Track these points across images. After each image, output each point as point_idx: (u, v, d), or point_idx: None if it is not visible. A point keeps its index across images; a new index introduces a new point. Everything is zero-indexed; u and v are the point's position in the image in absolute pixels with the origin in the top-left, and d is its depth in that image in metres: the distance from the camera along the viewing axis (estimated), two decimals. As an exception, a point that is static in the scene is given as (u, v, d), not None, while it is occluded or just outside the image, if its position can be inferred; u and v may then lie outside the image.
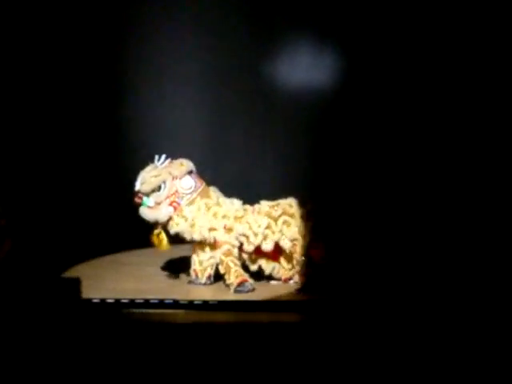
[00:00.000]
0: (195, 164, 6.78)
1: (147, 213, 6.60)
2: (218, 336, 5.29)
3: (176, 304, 5.99)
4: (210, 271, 6.66)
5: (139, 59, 8.79)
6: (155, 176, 6.58)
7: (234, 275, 6.53)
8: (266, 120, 8.97)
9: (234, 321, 5.78)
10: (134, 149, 8.10)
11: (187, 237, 6.57)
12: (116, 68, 8.71)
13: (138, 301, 5.94)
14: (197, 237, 6.57)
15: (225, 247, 6.58)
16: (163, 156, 6.68)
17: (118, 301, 5.90)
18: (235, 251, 6.57)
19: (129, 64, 8.79)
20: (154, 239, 6.65)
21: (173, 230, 6.57)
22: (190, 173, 6.70)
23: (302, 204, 6.66)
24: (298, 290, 6.52)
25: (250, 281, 6.54)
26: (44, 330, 5.18)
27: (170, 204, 6.58)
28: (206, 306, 6.01)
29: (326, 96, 8.74)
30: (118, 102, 8.75)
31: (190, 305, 5.99)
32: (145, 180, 6.60)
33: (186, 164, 6.72)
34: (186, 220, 6.58)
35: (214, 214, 6.60)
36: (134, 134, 8.69)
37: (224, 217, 6.59)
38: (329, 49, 8.79)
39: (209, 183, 6.80)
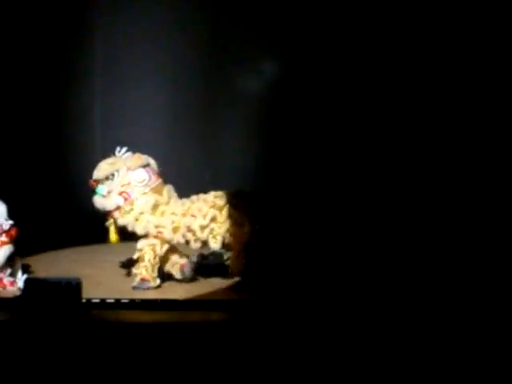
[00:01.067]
0: (158, 160, 6.91)
1: (98, 201, 6.75)
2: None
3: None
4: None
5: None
6: (110, 164, 6.69)
7: (142, 270, 6.63)
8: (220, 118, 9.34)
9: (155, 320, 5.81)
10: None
11: (130, 229, 6.68)
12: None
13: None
14: (140, 231, 6.64)
15: (151, 240, 6.64)
16: (124, 148, 6.81)
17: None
18: (158, 249, 6.64)
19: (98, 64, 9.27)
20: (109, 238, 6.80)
21: (120, 221, 6.68)
22: (145, 166, 6.78)
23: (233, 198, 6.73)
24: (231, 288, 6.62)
25: (155, 281, 6.63)
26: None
27: (120, 194, 6.68)
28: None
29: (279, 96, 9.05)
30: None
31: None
32: (100, 167, 6.75)
33: (143, 157, 6.82)
34: (133, 212, 6.65)
35: (162, 213, 6.68)
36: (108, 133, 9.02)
37: (172, 214, 6.67)
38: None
39: (166, 181, 6.90)
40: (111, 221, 6.77)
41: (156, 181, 6.80)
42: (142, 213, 6.66)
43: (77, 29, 9.22)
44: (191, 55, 9.36)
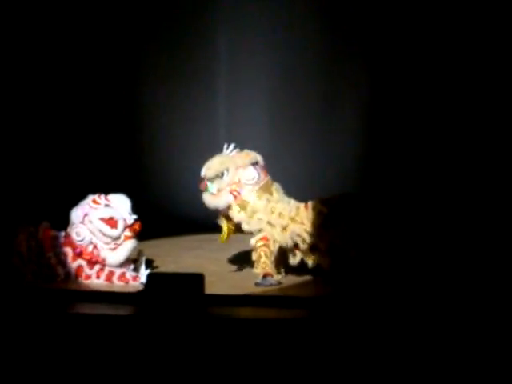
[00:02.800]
0: (264, 157, 6.85)
1: (209, 199, 6.74)
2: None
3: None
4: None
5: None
6: (220, 163, 6.65)
7: (262, 266, 6.50)
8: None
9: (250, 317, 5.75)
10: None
11: (245, 227, 6.60)
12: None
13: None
14: (254, 228, 6.53)
15: (261, 235, 6.53)
16: (232, 145, 6.77)
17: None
18: (271, 245, 6.53)
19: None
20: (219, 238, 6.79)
21: (235, 218, 6.62)
22: (254, 164, 6.70)
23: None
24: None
25: (277, 276, 6.53)
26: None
27: (231, 192, 6.63)
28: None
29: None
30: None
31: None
32: (209, 166, 6.73)
33: (252, 155, 6.75)
34: (246, 210, 6.55)
35: (272, 209, 6.58)
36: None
37: (280, 215, 6.53)
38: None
39: (273, 179, 6.81)
40: (223, 220, 6.74)
41: (264, 178, 6.75)
42: (254, 211, 6.58)
43: (202, 34, 9.43)
44: (304, 59, 9.48)
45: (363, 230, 6.58)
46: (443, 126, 8.86)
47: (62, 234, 6.86)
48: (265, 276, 6.56)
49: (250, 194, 6.65)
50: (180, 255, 7.74)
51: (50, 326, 5.45)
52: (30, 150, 9.04)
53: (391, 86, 9.14)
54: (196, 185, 6.95)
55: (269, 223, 6.57)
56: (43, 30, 9.09)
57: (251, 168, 6.73)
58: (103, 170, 9.24)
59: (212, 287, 5.69)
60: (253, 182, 6.70)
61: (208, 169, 6.76)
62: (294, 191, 6.88)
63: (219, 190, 6.71)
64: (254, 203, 6.62)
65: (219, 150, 6.89)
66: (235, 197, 6.64)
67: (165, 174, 9.46)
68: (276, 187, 6.80)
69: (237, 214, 6.64)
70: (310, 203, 6.66)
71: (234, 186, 6.66)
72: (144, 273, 6.66)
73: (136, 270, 6.81)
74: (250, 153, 6.82)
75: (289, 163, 9.21)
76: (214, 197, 6.72)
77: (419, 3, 8.92)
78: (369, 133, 9.27)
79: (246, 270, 6.97)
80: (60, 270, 6.74)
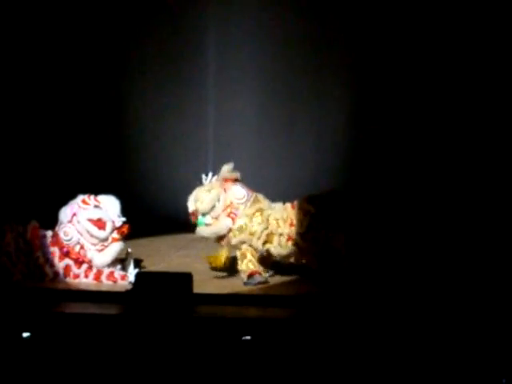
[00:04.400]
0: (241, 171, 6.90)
1: (206, 231, 6.74)
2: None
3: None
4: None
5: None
6: (208, 191, 6.68)
7: (247, 265, 6.56)
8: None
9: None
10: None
11: (253, 244, 6.60)
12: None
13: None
14: (259, 244, 6.58)
15: (243, 235, 6.60)
16: (210, 174, 6.84)
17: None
18: (256, 241, 6.58)
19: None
20: (212, 260, 6.76)
21: (234, 240, 6.62)
22: (238, 182, 6.79)
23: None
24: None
25: (264, 274, 6.56)
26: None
27: (228, 215, 6.66)
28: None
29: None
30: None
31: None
32: (198, 198, 6.73)
33: (234, 175, 6.82)
34: (246, 228, 6.61)
35: (268, 217, 6.63)
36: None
37: (275, 219, 6.61)
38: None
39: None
40: (225, 249, 6.77)
41: (252, 193, 6.82)
42: (253, 226, 6.64)
43: (191, 35, 9.46)
44: (291, 58, 9.52)
45: (352, 228, 6.61)
46: (430, 124, 8.90)
47: (50, 233, 6.86)
48: (251, 275, 6.58)
49: (244, 213, 6.68)
50: (168, 254, 7.75)
51: (38, 326, 5.45)
52: (19, 150, 9.03)
53: (378, 85, 9.17)
54: (184, 185, 7.01)
55: (266, 229, 6.61)
56: (33, 32, 9.10)
57: (238, 187, 6.79)
58: (92, 169, 9.24)
59: (200, 286, 5.71)
60: (244, 199, 6.74)
61: (202, 203, 6.76)
62: (282, 189, 6.91)
63: (216, 218, 6.74)
64: (250, 220, 6.65)
65: (208, 150, 6.92)
66: (233, 219, 6.69)
67: (153, 173, 9.47)
68: (262, 196, 6.84)
69: (240, 234, 6.65)
70: (296, 202, 6.70)
71: (229, 210, 6.71)
72: (132, 272, 6.67)
73: (124, 269, 6.82)
74: (230, 174, 6.85)
75: (277, 162, 9.24)
76: (211, 226, 6.76)
77: (406, 6, 8.97)
78: (356, 131, 9.30)
79: (234, 270, 6.99)
80: (48, 270, 6.74)
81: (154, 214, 8.79)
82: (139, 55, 9.58)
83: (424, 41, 8.91)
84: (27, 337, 5.28)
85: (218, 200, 6.72)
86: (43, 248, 6.77)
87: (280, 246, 6.58)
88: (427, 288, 6.25)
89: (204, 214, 6.76)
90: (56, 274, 6.74)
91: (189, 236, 8.31)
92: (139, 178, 9.50)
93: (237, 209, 6.70)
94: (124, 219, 6.81)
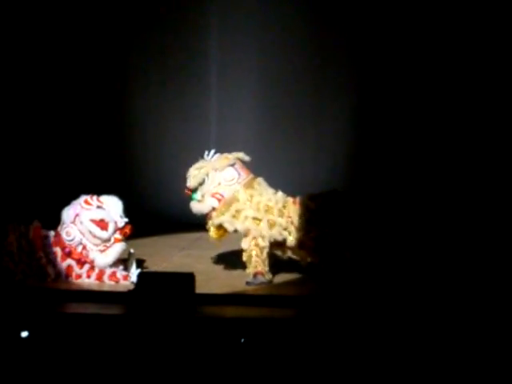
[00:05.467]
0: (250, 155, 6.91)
1: (194, 206, 6.82)
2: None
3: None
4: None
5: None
6: (198, 169, 6.73)
7: (254, 265, 6.56)
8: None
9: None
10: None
11: (229, 227, 6.64)
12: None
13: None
14: (240, 227, 6.58)
15: (251, 236, 6.60)
16: (212, 151, 6.86)
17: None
18: (261, 241, 6.57)
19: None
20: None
21: (216, 220, 6.67)
22: (233, 165, 6.79)
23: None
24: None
25: (268, 275, 6.57)
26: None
27: (213, 196, 6.71)
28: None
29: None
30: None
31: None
32: (191, 175, 6.81)
33: (231, 157, 6.84)
34: (228, 211, 6.61)
35: (257, 204, 6.63)
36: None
37: (267, 209, 6.59)
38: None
39: (258, 174, 6.88)
40: (209, 223, 6.78)
41: (247, 176, 6.80)
42: (238, 210, 6.63)
43: (194, 35, 9.49)
44: (293, 60, 9.57)
45: (353, 229, 6.61)
46: (429, 126, 8.93)
47: (52, 233, 6.86)
48: (255, 275, 6.58)
49: (233, 194, 6.70)
50: (170, 254, 7.74)
51: (40, 326, 5.45)
52: (21, 151, 9.03)
53: (379, 85, 9.19)
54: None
55: (255, 219, 6.62)
56: (37, 33, 9.12)
57: (230, 169, 6.79)
58: (95, 169, 9.24)
59: (202, 286, 5.70)
60: (233, 182, 6.76)
61: (190, 178, 6.83)
62: (283, 188, 6.90)
63: (203, 196, 6.78)
64: (238, 202, 6.68)
65: (211, 151, 6.93)
66: (219, 200, 6.70)
67: (155, 173, 9.47)
68: (259, 181, 6.85)
69: (219, 217, 6.68)
70: (298, 198, 6.70)
71: (215, 190, 6.73)
72: (134, 272, 6.67)
73: (126, 269, 6.81)
74: (229, 155, 6.88)
75: (278, 161, 9.25)
76: (199, 203, 6.79)
77: (406, 7, 8.97)
78: (357, 132, 9.32)
79: (236, 269, 6.98)
80: (50, 270, 6.74)
81: (157, 215, 8.79)
82: (141, 55, 9.58)
83: (424, 41, 8.94)
84: (26, 336, 5.28)
85: (207, 178, 6.77)
86: (45, 248, 6.77)
87: (268, 229, 6.59)
88: (428, 288, 6.25)
89: (195, 191, 6.81)
90: (58, 274, 6.74)
91: (191, 236, 8.34)
92: (142, 178, 9.52)
93: (224, 190, 6.72)
94: (126, 220, 6.81)
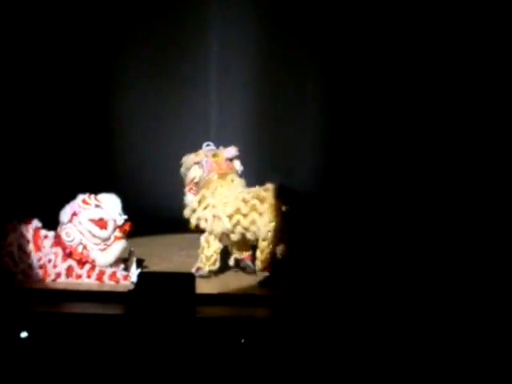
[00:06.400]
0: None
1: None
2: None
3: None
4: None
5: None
6: (184, 161, 7.07)
7: (199, 260, 6.78)
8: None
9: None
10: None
11: (192, 222, 6.85)
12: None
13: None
14: (193, 221, 6.83)
15: (206, 233, 6.81)
16: (210, 144, 7.12)
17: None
18: (212, 240, 6.77)
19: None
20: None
21: (185, 213, 6.90)
22: (199, 163, 6.96)
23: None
24: (263, 283, 6.56)
25: (210, 267, 6.70)
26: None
27: (189, 191, 6.98)
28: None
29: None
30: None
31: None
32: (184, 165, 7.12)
33: (201, 154, 7.01)
34: (189, 207, 6.90)
35: (206, 206, 6.80)
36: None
37: (213, 206, 6.76)
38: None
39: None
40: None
41: (208, 174, 6.91)
42: (193, 209, 6.84)
43: (192, 34, 9.52)
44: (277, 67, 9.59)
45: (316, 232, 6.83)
46: (400, 132, 8.94)
47: (53, 234, 6.86)
48: (198, 268, 6.74)
49: (189, 194, 6.97)
50: (171, 254, 7.75)
51: (40, 326, 5.45)
52: (21, 151, 9.03)
53: (351, 95, 9.25)
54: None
55: (199, 218, 6.81)
56: (32, 32, 9.11)
57: (195, 167, 6.96)
58: (93, 168, 9.24)
59: (202, 286, 5.71)
60: (197, 180, 6.93)
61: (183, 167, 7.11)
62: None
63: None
64: (193, 199, 6.90)
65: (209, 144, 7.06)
66: (194, 194, 6.92)
67: (155, 172, 9.46)
68: (231, 177, 6.93)
69: (185, 211, 6.90)
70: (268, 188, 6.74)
71: (191, 185, 6.96)
72: (135, 272, 6.67)
73: (127, 269, 6.82)
74: (200, 152, 7.02)
75: (278, 162, 9.29)
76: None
77: (383, 10, 9.00)
78: (330, 138, 9.36)
79: (236, 269, 6.99)
80: (50, 270, 6.74)
81: (157, 214, 8.78)
82: (140, 54, 9.57)
83: (412, 41, 8.96)
84: (25, 337, 5.28)
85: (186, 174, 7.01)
86: (45, 248, 6.77)
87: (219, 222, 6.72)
88: (419, 289, 6.30)
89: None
90: (58, 274, 6.73)
91: (191, 236, 8.30)
92: (141, 177, 9.50)
93: (195, 186, 6.95)
94: (125, 217, 6.81)
